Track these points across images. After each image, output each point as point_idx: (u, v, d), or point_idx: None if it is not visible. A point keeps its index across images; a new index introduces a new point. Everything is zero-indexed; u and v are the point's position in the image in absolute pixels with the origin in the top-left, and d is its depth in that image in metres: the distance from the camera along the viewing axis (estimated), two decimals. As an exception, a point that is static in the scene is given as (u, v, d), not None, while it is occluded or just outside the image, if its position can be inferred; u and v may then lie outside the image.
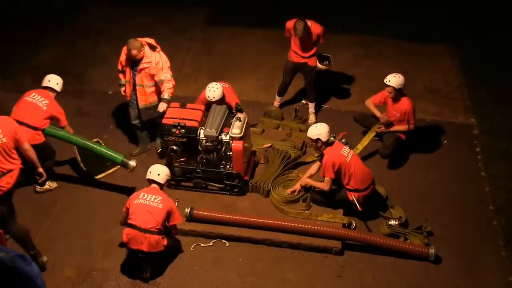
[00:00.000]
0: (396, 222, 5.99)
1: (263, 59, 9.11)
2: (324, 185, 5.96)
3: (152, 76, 6.63)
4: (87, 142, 6.36)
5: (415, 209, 6.31)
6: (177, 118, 6.12)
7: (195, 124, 6.11)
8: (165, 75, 6.62)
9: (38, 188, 6.56)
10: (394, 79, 6.63)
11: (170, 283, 5.53)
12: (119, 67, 6.98)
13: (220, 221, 5.93)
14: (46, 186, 6.57)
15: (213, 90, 6.48)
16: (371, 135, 6.88)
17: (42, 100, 6.20)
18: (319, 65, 7.51)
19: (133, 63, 6.67)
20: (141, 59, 6.58)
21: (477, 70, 8.80)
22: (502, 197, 6.52)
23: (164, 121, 6.16)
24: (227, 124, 6.24)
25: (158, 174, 5.51)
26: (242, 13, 10.50)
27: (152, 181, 5.53)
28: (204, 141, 6.13)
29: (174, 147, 6.12)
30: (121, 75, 7.01)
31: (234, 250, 5.87)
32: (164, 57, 6.72)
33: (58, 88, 6.39)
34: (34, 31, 9.81)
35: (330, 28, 9.75)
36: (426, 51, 9.34)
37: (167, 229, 5.48)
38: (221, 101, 6.57)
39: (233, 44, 9.59)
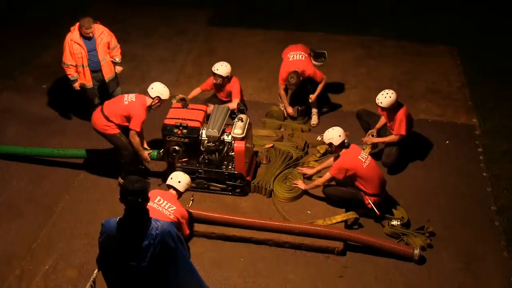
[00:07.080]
0: (398, 223, 5.99)
1: (265, 60, 9.11)
2: (321, 180, 5.97)
3: (108, 45, 7.08)
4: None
5: (417, 210, 6.30)
6: (179, 119, 6.12)
7: (197, 124, 6.12)
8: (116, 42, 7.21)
9: (120, 180, 6.52)
10: (385, 100, 6.38)
11: (172, 283, 5.53)
12: (70, 62, 6.92)
13: (218, 222, 5.90)
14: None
15: (220, 64, 6.76)
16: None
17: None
18: (315, 62, 7.50)
19: (87, 45, 6.89)
20: (93, 35, 6.87)
21: (479, 70, 8.79)
22: (504, 198, 6.51)
23: (166, 121, 6.16)
24: (229, 124, 6.26)
25: (179, 182, 5.47)
26: (244, 14, 10.51)
27: (171, 187, 5.48)
28: (206, 141, 6.14)
29: (176, 148, 6.12)
30: (71, 70, 6.99)
31: (236, 250, 5.87)
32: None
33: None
34: (35, 31, 9.83)
35: (331, 28, 9.84)
36: (428, 51, 9.33)
37: None
38: (224, 84, 6.84)
39: (235, 44, 9.59)
